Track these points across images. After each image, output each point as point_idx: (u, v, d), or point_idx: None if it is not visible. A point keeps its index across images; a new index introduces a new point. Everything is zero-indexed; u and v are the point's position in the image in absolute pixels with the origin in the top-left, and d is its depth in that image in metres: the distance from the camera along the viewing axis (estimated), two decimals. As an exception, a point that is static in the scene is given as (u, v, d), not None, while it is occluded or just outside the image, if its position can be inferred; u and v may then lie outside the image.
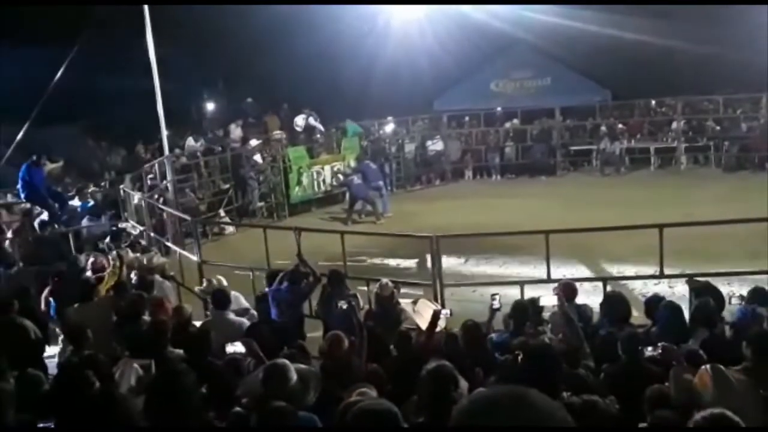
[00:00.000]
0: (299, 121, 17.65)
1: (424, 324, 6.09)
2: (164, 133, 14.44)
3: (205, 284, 8.35)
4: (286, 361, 4.37)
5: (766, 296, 6.11)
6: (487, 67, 23.83)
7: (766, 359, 4.01)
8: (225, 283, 7.97)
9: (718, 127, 18.94)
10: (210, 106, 23.74)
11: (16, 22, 17.58)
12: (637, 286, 8.74)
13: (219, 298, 7.01)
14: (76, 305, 7.04)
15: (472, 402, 1.41)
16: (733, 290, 6.89)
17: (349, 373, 5.18)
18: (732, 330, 5.68)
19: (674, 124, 19.48)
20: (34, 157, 12.12)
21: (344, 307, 6.31)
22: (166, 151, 14.79)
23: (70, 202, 13.62)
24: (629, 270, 9.65)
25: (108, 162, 18.50)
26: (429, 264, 8.34)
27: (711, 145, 18.92)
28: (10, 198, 14.24)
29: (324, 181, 17.07)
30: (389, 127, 19.66)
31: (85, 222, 12.90)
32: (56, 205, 12.53)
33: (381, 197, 15.77)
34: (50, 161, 12.70)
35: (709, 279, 6.76)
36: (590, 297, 7.05)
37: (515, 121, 20.55)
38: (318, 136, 17.51)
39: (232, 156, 16.54)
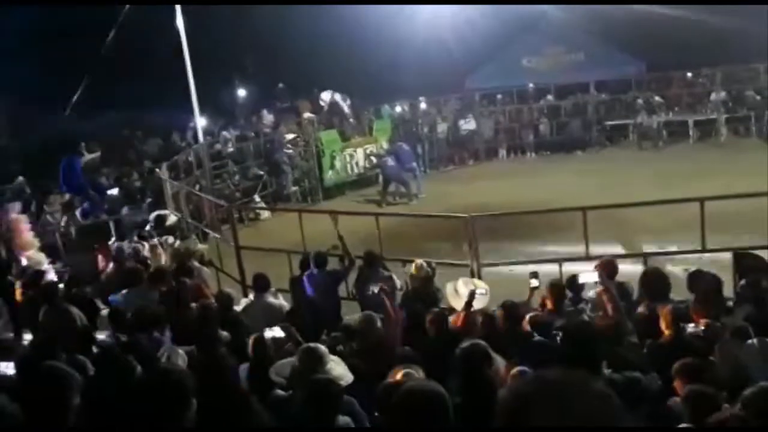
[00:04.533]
0: (325, 96, 17.65)
1: (460, 306, 6.05)
2: (198, 121, 14.58)
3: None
4: (321, 347, 4.40)
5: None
6: (518, 43, 23.52)
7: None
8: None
9: (758, 97, 18.40)
10: (241, 93, 23.88)
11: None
12: (679, 261, 8.57)
13: (259, 282, 7.08)
14: (123, 291, 7.17)
15: (523, 384, 1.39)
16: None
17: (382, 354, 5.18)
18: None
19: (713, 95, 19.00)
20: (78, 148, 12.39)
21: (375, 290, 6.31)
22: (201, 139, 14.94)
23: (109, 192, 13.84)
24: (671, 245, 9.46)
25: (144, 151, 18.73)
26: (465, 244, 8.29)
27: (752, 115, 18.40)
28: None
29: (357, 163, 17.06)
30: (419, 108, 19.53)
31: (125, 211, 13.11)
32: (96, 195, 12.74)
33: (415, 178, 15.75)
34: (87, 152, 12.92)
35: (753, 252, 6.60)
36: (630, 274, 6.93)
37: (549, 97, 20.24)
38: (347, 111, 17.41)
39: (265, 141, 16.65)
